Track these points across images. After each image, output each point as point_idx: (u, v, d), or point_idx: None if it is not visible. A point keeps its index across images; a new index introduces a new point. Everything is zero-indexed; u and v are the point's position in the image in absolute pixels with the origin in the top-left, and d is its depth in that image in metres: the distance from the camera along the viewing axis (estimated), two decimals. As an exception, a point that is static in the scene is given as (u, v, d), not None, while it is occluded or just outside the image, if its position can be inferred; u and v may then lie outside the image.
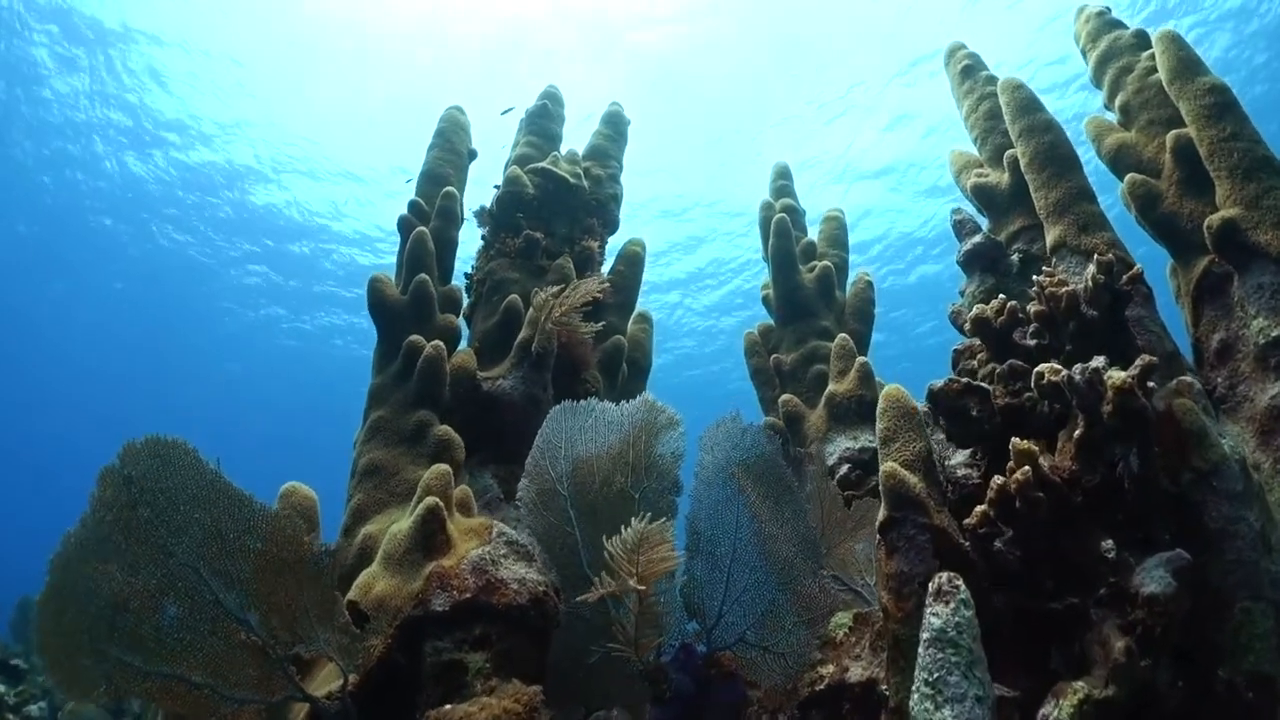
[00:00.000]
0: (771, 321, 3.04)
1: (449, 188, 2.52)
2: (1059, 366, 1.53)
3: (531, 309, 2.25)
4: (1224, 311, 2.05)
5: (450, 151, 2.73)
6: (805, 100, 12.32)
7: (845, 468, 2.40)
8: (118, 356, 17.50)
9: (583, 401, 1.86)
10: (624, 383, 2.73)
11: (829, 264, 2.97)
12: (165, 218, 13.81)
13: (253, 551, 1.62)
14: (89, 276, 15.23)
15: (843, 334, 2.66)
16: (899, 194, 13.34)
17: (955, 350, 2.17)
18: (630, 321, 2.95)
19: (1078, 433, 1.45)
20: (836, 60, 11.74)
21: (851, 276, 3.09)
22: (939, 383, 1.70)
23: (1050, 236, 2.18)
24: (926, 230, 13.83)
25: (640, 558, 1.38)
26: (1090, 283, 1.66)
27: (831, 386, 2.58)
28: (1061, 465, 1.48)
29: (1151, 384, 1.44)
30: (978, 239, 2.32)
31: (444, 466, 1.87)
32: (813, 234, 3.30)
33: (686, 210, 13.71)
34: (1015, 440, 1.41)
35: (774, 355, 2.89)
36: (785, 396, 2.69)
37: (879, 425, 1.66)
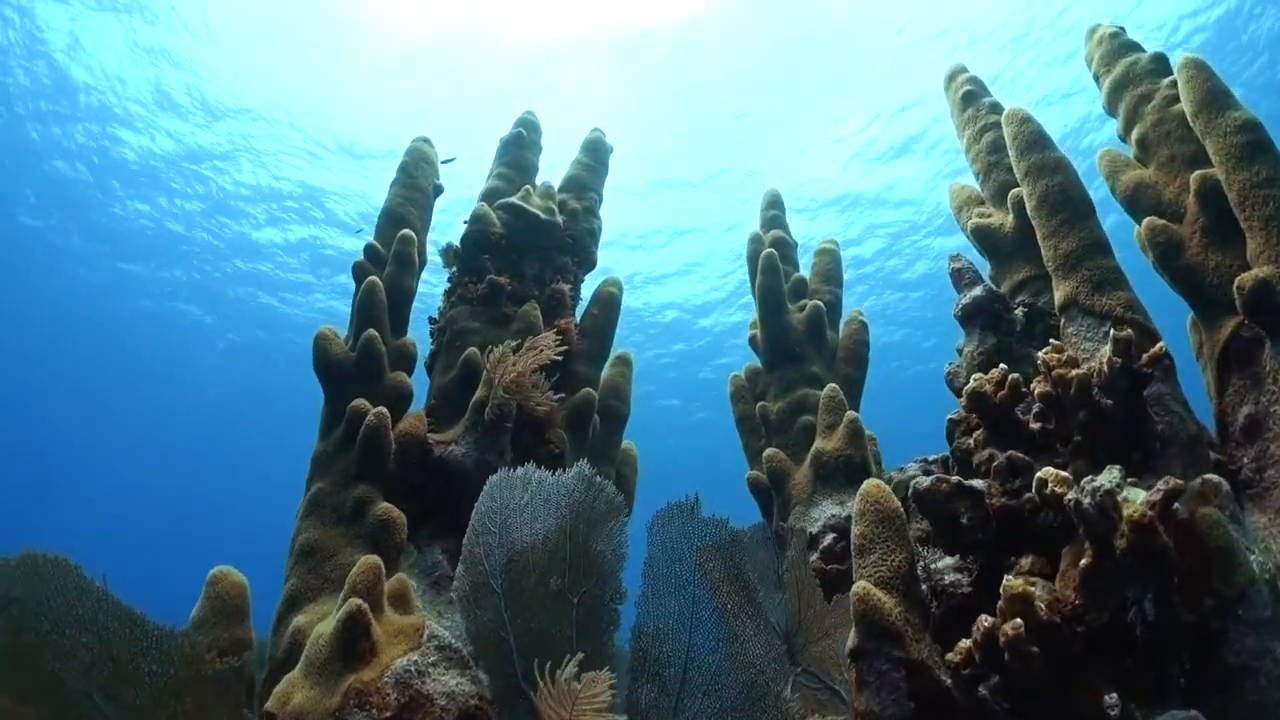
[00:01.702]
0: (759, 364, 2.79)
1: (405, 230, 2.29)
2: (1065, 477, 1.27)
3: (485, 369, 2.02)
4: (1253, 381, 1.77)
5: (412, 188, 2.50)
6: (812, 88, 11.97)
7: (830, 537, 2.15)
8: (116, 353, 17.32)
9: (519, 471, 1.63)
10: (597, 435, 2.49)
11: (819, 303, 2.71)
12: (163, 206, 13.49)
13: (147, 674, 1.41)
14: (86, 268, 15.00)
15: (832, 384, 2.41)
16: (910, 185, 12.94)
17: (950, 420, 1.91)
18: (608, 364, 2.71)
19: (1084, 562, 1.20)
20: (842, 44, 11.34)
21: (845, 315, 2.83)
22: (925, 482, 1.45)
23: (1059, 293, 1.90)
24: (940, 221, 13.41)
25: (573, 711, 1.15)
26: (1106, 367, 1.40)
27: (818, 443, 2.33)
28: (1064, 597, 1.23)
29: (1177, 506, 1.18)
30: (978, 291, 2.05)
31: (373, 560, 1.64)
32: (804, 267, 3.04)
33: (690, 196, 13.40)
34: (1009, 581, 1.16)
35: (760, 403, 2.64)
36: (770, 451, 2.44)
37: (854, 530, 1.41)
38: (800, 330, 2.68)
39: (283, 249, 14.54)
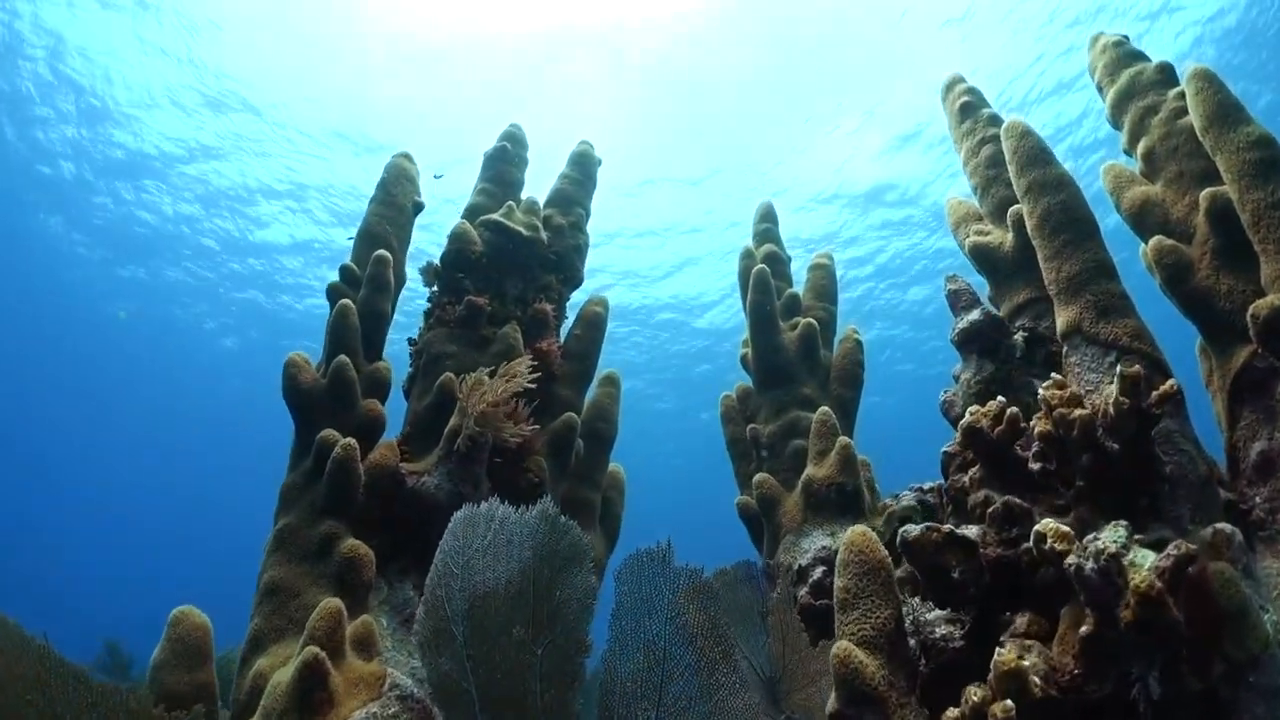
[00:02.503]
0: (751, 384, 2.69)
1: (381, 251, 2.20)
2: (1066, 532, 1.18)
3: (459, 397, 1.93)
4: (1267, 415, 1.67)
5: (390, 206, 2.41)
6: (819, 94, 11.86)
7: (820, 571, 2.05)
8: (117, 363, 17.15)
9: (483, 507, 1.54)
10: (582, 459, 2.40)
11: (812, 321, 2.61)
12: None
13: (91, 733, 1.33)
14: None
15: (823, 408, 2.31)
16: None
17: (945, 453, 1.82)
18: (595, 384, 2.62)
19: (1085, 630, 1.11)
20: (842, 39, 11.20)
21: (840, 332, 2.73)
22: (914, 531, 1.35)
23: (1061, 319, 1.80)
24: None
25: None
26: (1112, 408, 1.30)
27: (809, 470, 2.24)
28: (1062, 665, 1.14)
29: (1190, 570, 1.08)
30: (975, 316, 1.96)
31: (334, 604, 1.56)
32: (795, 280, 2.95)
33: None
34: (1000, 656, 1.07)
35: (751, 425, 2.54)
36: (759, 476, 2.35)
37: (837, 581, 1.32)
38: (792, 350, 2.59)
39: (285, 249, 14.44)
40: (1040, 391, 1.42)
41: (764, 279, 2.62)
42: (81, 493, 22.10)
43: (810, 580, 2.06)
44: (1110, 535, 1.10)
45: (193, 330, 16.69)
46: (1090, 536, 1.11)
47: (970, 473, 1.60)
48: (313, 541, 1.82)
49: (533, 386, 1.97)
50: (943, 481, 1.92)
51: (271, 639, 1.76)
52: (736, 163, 12.91)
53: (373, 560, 1.80)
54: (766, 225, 2.99)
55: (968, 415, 1.59)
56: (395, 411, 2.33)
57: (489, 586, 1.47)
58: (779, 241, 2.96)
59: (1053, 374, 1.52)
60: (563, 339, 2.53)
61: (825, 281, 2.85)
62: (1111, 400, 1.29)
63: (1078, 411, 1.32)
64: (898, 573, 1.59)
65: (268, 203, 13.45)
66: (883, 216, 13.46)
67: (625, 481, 2.61)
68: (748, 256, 2.85)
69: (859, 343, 2.67)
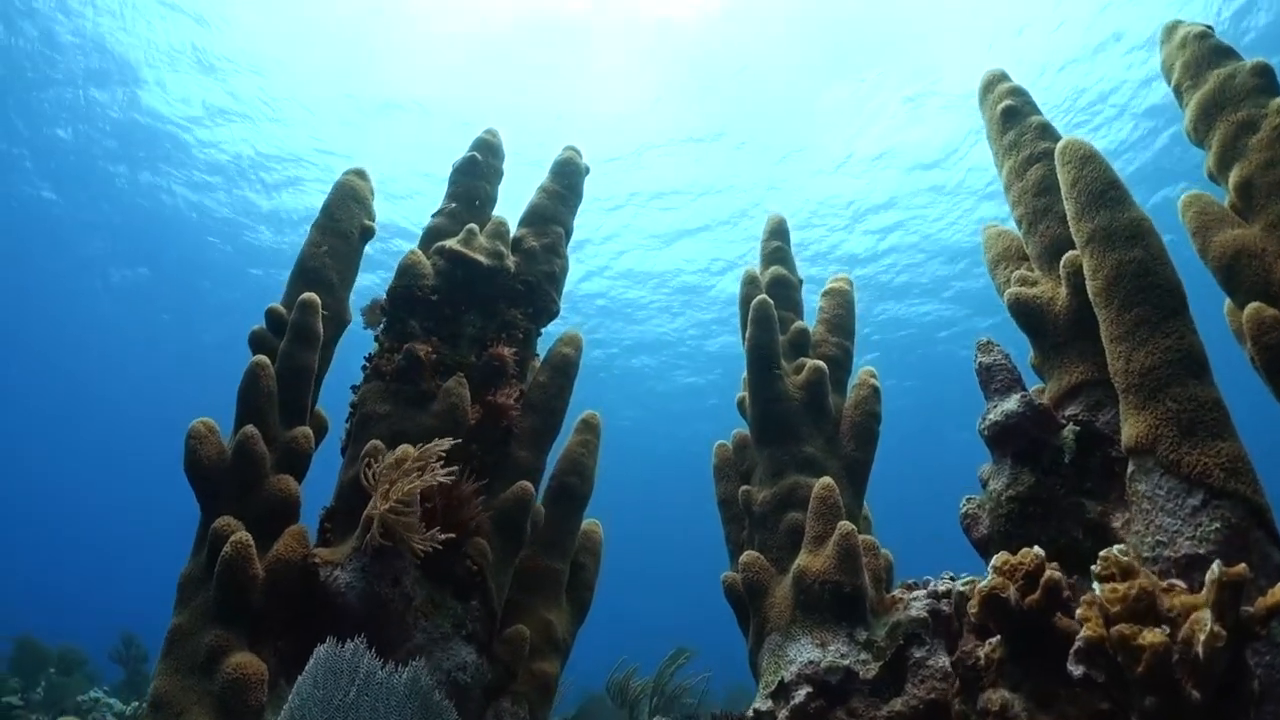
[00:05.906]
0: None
1: (306, 295, 1.80)
2: None
3: (368, 484, 1.54)
4: None
5: (332, 234, 1.99)
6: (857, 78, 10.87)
7: (804, 693, 1.63)
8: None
9: (347, 653, 1.22)
10: (548, 523, 2.00)
11: (820, 366, 2.13)
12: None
13: None
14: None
15: (826, 480, 1.85)
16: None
17: (959, 594, 1.36)
18: (572, 431, 2.21)
19: None
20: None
21: (854, 377, 2.24)
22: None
23: (1131, 428, 1.30)
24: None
25: None
26: (1201, 647, 0.83)
27: (803, 559, 1.80)
28: None
29: None
30: (1012, 406, 1.46)
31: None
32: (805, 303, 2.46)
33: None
34: None
35: (744, 487, 2.10)
36: (748, 557, 1.92)
37: None
38: (796, 399, 2.12)
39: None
40: (1094, 586, 0.95)
41: (766, 313, 2.14)
42: (100, 481, 21.95)
43: (792, 702, 1.65)
44: None
45: (206, 307, 15.78)
46: None
47: (988, 646, 1.15)
48: (200, 652, 1.49)
49: (448, 481, 1.56)
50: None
51: (150, 767, 1.44)
52: (780, 133, 12.02)
53: (263, 680, 1.46)
54: (777, 244, 2.48)
55: (991, 574, 1.13)
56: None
57: (353, 769, 1.10)
58: (789, 263, 2.46)
59: (1114, 549, 1.03)
60: (527, 385, 2.11)
61: (840, 312, 2.35)
62: (1204, 633, 0.81)
63: (1147, 637, 0.86)
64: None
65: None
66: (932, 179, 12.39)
67: (602, 541, 2.22)
68: (750, 283, 2.36)
69: (876, 389, 2.18)
